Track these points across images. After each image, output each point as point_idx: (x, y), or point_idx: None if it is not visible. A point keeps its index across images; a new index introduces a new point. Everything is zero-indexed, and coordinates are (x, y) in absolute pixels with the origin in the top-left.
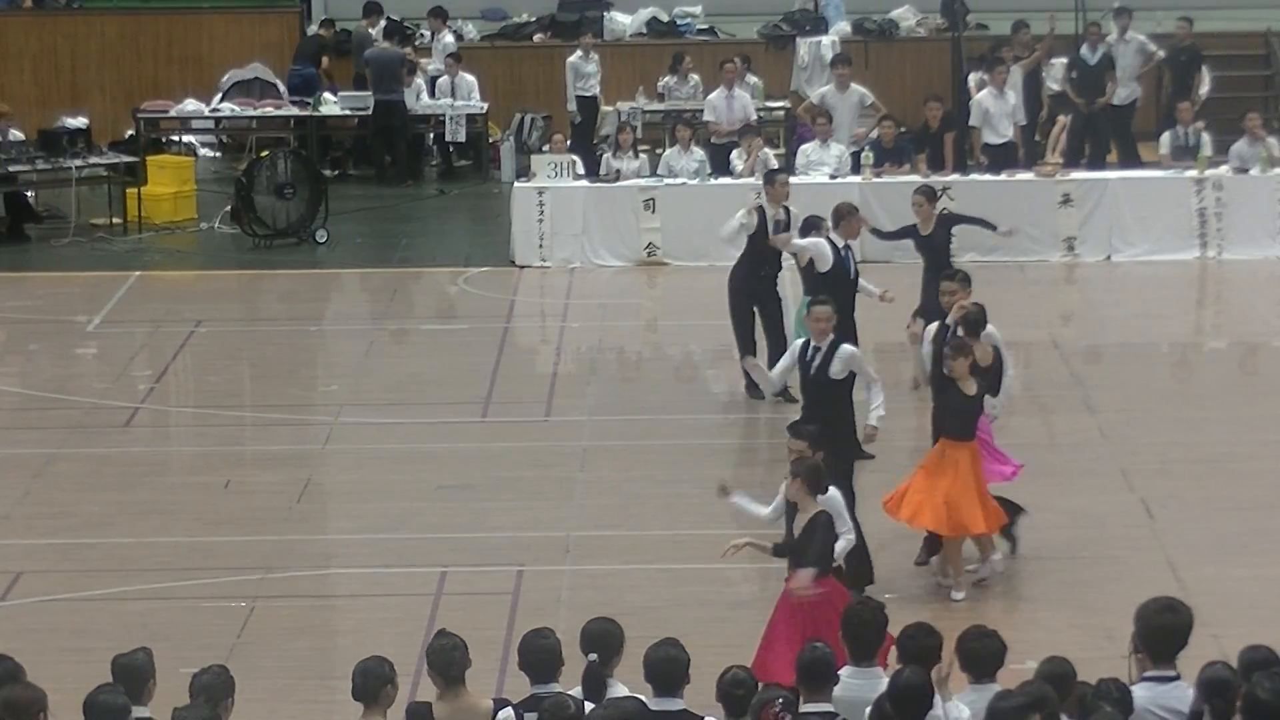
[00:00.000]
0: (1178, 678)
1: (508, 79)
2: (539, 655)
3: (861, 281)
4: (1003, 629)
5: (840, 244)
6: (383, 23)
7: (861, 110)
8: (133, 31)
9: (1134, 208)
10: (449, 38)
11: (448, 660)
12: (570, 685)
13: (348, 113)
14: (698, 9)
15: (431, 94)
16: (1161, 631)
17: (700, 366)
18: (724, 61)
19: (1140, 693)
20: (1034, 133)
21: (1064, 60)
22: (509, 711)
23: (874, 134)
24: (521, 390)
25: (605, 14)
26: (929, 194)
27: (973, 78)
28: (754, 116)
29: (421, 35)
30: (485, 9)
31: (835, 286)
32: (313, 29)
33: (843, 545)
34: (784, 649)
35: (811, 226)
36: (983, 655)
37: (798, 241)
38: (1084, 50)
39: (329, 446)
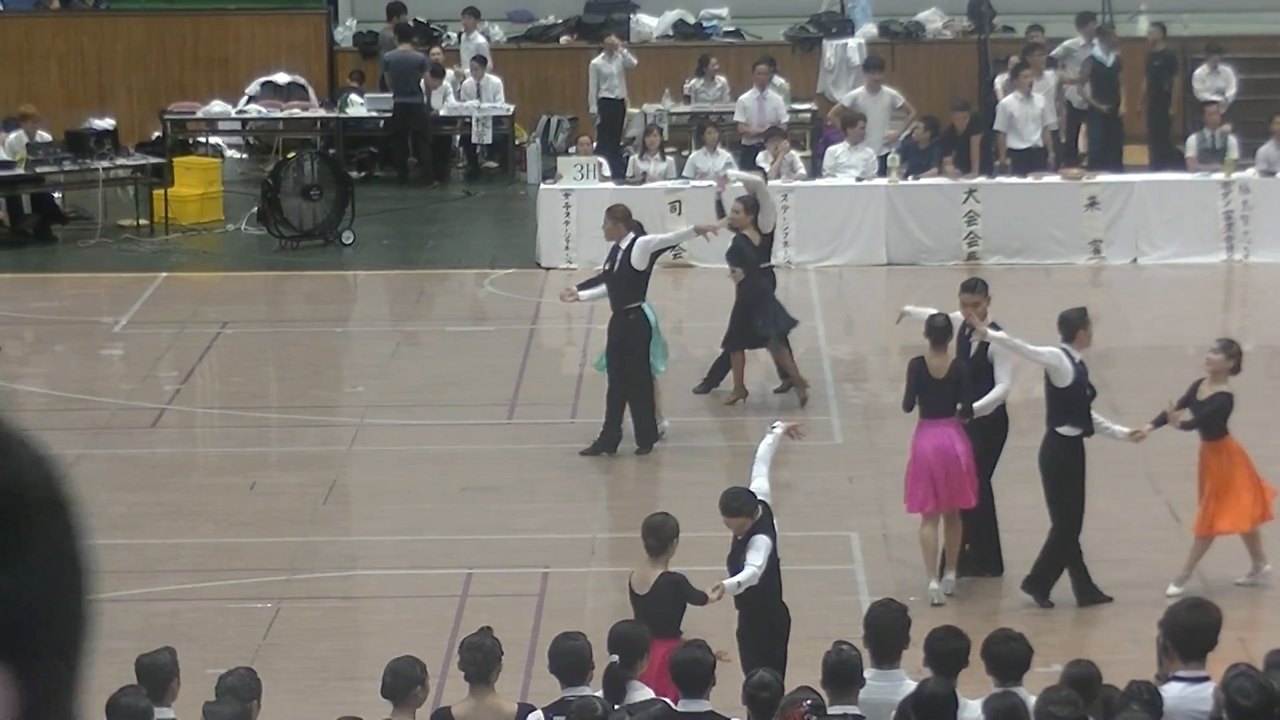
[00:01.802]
0: (1208, 678)
1: (534, 81)
2: (568, 658)
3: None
4: (1027, 632)
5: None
6: (396, 22)
7: (893, 112)
8: (159, 33)
9: (1160, 210)
10: (480, 39)
11: (471, 659)
12: (600, 688)
13: (374, 114)
14: (724, 11)
15: (458, 96)
16: (1190, 629)
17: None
18: (756, 63)
19: (1170, 692)
20: (1062, 136)
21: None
22: (538, 715)
23: (906, 134)
24: (547, 392)
25: (632, 16)
26: (749, 205)
27: (999, 80)
28: (785, 119)
29: (448, 37)
30: (512, 11)
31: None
32: (340, 31)
33: (747, 575)
34: None
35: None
36: (1009, 659)
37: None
38: (1098, 52)
39: (354, 448)
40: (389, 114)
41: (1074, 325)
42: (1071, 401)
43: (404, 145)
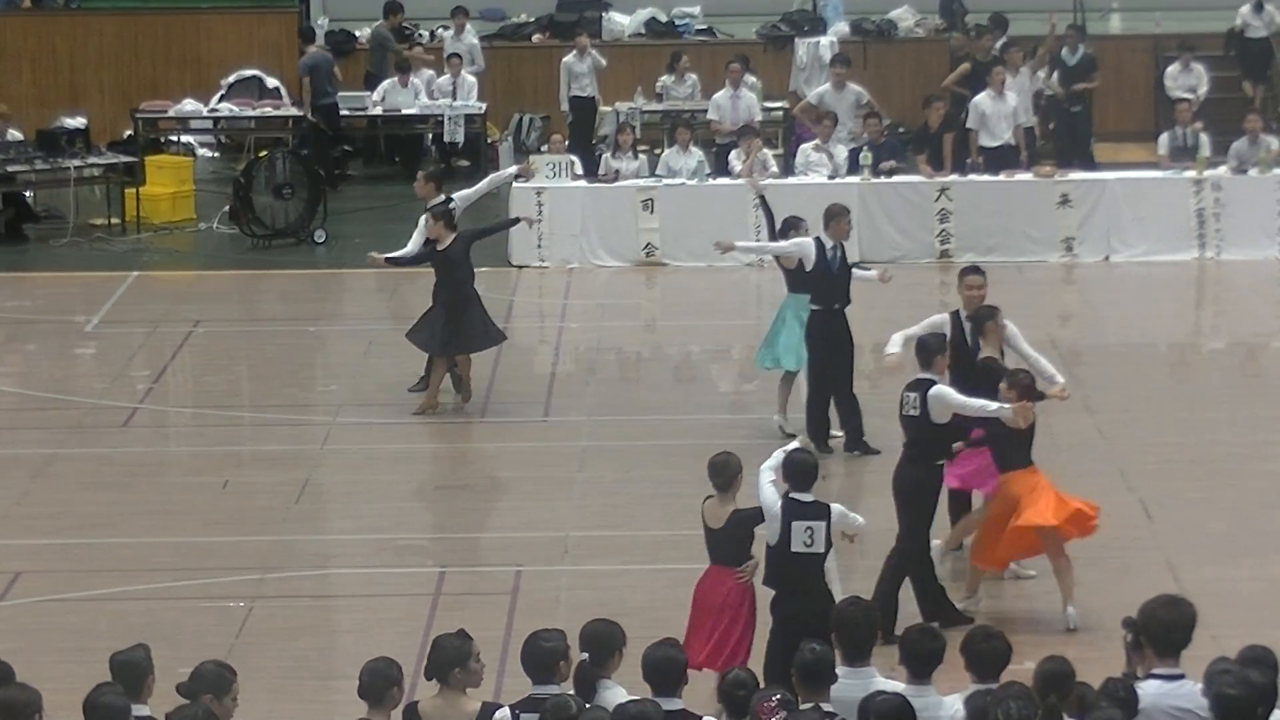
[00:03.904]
0: (1184, 676)
1: (506, 79)
2: (539, 656)
3: (856, 271)
4: (1002, 629)
5: (829, 244)
6: (384, 25)
7: (858, 109)
8: (131, 32)
9: (1132, 208)
10: (473, 39)
11: (444, 661)
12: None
13: (346, 113)
14: (696, 9)
15: (430, 94)
16: (1165, 624)
17: (699, 366)
18: (729, 62)
19: (1148, 690)
20: (1037, 131)
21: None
22: (505, 712)
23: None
24: (520, 391)
25: (604, 14)
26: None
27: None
28: (758, 117)
29: (421, 35)
30: (484, 9)
31: (819, 285)
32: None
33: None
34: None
35: (791, 226)
36: (988, 656)
37: None
38: (1064, 52)
39: (327, 447)
40: (361, 112)
41: (933, 351)
42: (951, 433)
43: (327, 151)
